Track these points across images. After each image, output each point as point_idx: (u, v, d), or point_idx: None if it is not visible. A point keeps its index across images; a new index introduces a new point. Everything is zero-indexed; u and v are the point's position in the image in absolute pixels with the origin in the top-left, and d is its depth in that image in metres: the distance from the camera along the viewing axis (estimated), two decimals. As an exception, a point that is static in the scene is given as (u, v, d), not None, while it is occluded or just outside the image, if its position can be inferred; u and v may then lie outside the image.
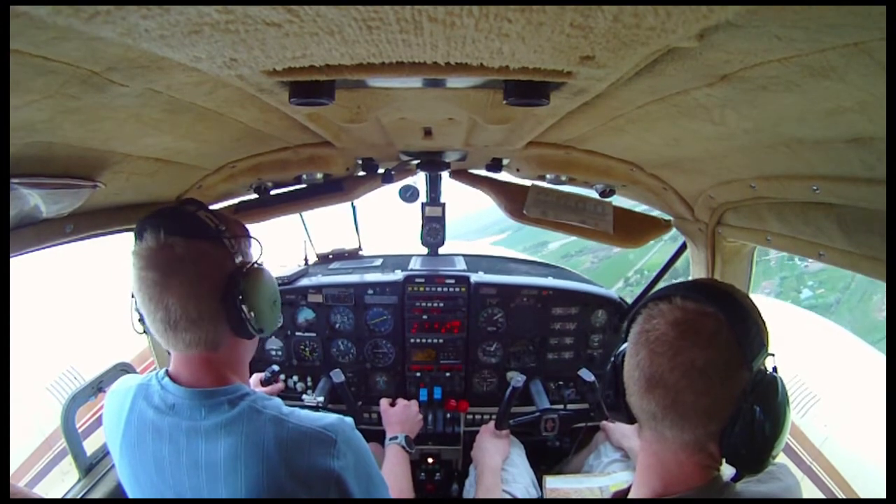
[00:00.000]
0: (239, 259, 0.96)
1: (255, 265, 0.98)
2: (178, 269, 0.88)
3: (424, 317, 2.13)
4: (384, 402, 1.93)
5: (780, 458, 1.79)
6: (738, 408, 0.73)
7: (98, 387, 1.53)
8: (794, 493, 0.84)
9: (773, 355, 0.79)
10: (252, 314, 0.93)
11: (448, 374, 2.18)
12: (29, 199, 0.86)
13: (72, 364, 1.98)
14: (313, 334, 2.15)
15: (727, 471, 0.81)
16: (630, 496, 0.91)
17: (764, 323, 0.79)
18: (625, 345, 0.87)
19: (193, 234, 0.91)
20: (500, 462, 1.78)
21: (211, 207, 1.02)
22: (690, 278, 1.67)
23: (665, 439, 0.80)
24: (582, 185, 1.77)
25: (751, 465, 0.77)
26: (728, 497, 0.78)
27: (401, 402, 1.92)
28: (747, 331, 0.76)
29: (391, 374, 2.19)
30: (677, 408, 0.75)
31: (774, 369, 0.78)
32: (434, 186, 2.33)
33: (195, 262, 0.89)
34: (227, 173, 1.51)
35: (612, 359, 0.91)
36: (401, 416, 1.82)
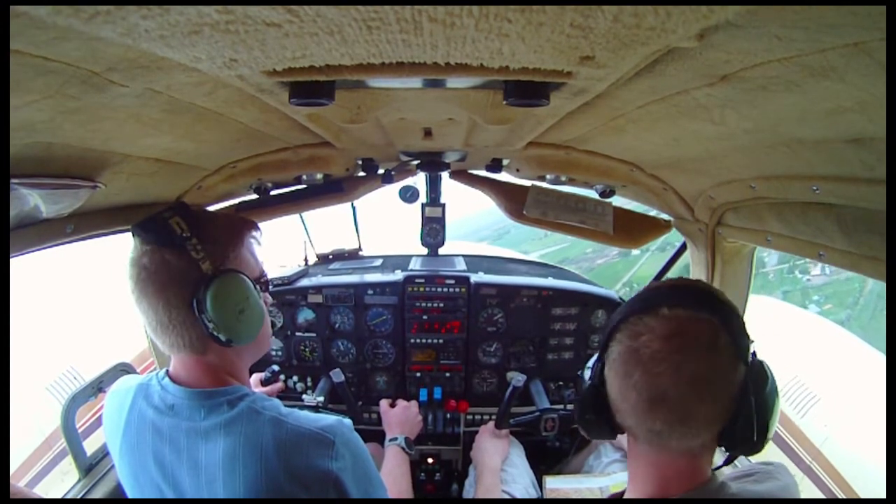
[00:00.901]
0: (207, 265, 0.92)
1: (222, 273, 0.93)
2: (144, 278, 0.90)
3: (424, 317, 2.13)
4: (384, 403, 1.93)
5: (781, 458, 1.80)
6: (738, 404, 0.73)
7: (98, 387, 1.53)
8: (792, 491, 0.84)
9: (753, 341, 0.78)
10: (212, 324, 0.90)
11: (448, 375, 2.17)
12: (29, 200, 0.86)
13: (72, 364, 1.98)
14: (313, 334, 2.15)
15: (718, 457, 0.82)
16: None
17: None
18: (594, 361, 0.84)
19: (160, 243, 0.91)
20: (500, 462, 1.78)
21: (211, 208, 1.01)
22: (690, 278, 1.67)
23: (669, 450, 0.78)
24: (582, 185, 1.76)
25: (750, 451, 0.78)
26: (725, 497, 0.78)
27: (401, 403, 1.92)
28: (739, 327, 0.75)
29: (391, 375, 2.19)
30: (686, 421, 0.74)
31: (754, 354, 0.77)
32: (434, 187, 2.33)
33: (157, 272, 0.90)
34: (227, 173, 1.51)
35: (590, 380, 0.85)
36: (400, 417, 1.82)
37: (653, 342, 0.74)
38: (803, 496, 1.68)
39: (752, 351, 0.77)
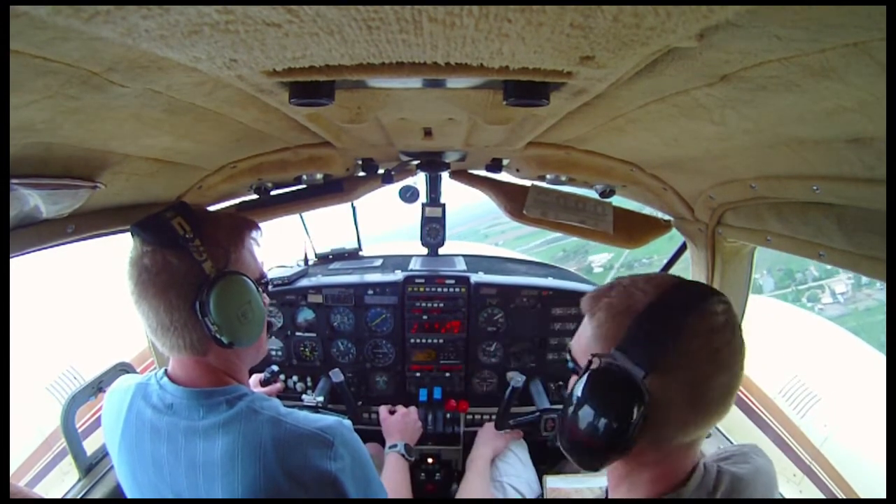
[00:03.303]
0: (209, 266, 0.92)
1: (225, 275, 0.92)
2: (145, 279, 0.89)
3: (424, 317, 2.13)
4: (383, 409, 1.93)
5: (780, 457, 1.79)
6: None
7: (98, 387, 1.53)
8: (768, 470, 0.83)
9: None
10: (214, 327, 0.90)
11: (448, 375, 2.17)
12: (29, 200, 0.86)
13: (72, 364, 1.98)
14: (313, 334, 2.15)
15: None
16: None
17: None
18: (634, 372, 0.70)
19: (161, 243, 0.90)
20: (491, 453, 1.81)
21: (211, 208, 1.01)
22: (690, 279, 1.67)
23: (688, 447, 0.76)
24: (582, 185, 1.77)
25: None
26: (718, 482, 0.76)
27: (400, 409, 1.92)
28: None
29: (391, 375, 2.19)
30: (726, 407, 0.73)
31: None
32: (434, 187, 2.33)
33: (158, 273, 0.89)
34: (227, 174, 1.51)
35: (617, 399, 0.70)
36: (400, 424, 1.82)
37: (724, 336, 0.71)
38: (804, 496, 1.68)
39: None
